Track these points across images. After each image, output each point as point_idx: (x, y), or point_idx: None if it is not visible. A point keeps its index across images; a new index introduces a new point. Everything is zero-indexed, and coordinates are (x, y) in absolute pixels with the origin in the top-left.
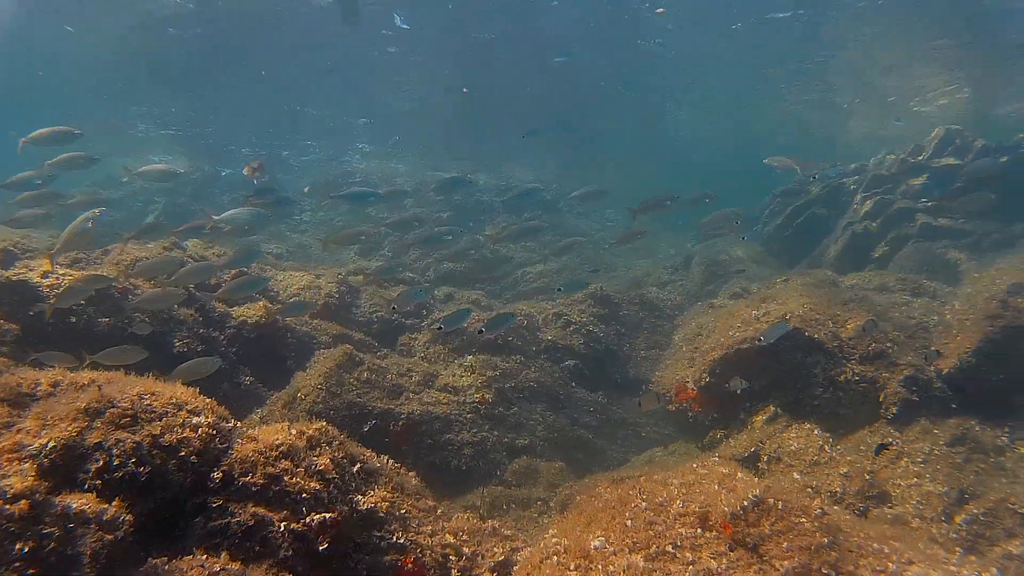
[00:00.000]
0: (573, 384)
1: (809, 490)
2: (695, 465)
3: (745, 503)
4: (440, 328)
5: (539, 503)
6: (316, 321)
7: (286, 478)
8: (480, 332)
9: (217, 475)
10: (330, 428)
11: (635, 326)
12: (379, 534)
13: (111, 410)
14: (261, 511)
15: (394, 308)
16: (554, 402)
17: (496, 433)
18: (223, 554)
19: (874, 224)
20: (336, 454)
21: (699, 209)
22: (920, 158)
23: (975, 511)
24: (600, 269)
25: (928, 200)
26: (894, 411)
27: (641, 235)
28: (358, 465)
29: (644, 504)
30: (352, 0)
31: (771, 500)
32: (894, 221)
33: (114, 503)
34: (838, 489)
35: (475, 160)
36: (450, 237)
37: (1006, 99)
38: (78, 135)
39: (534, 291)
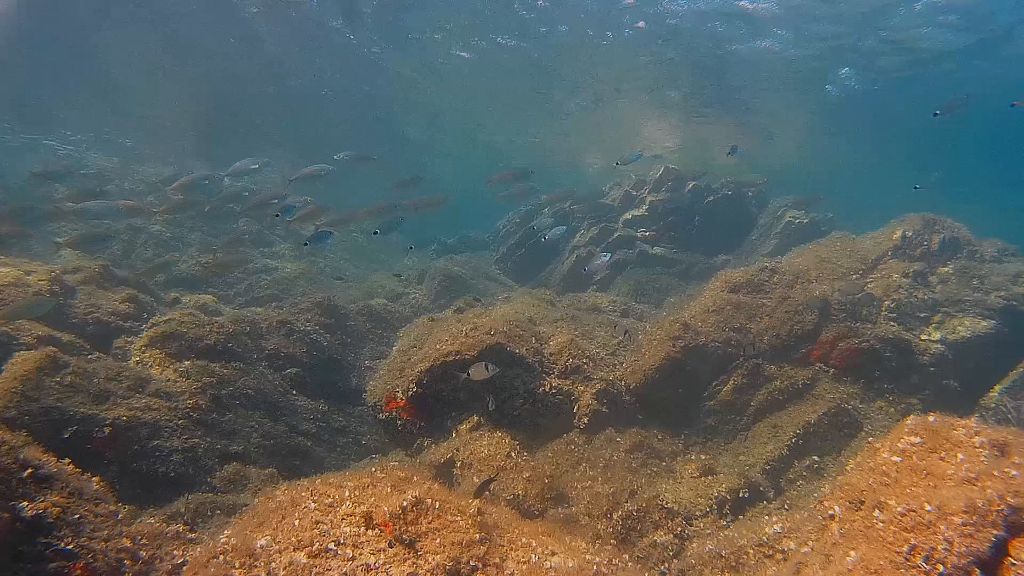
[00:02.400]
0: (294, 392)
1: (488, 493)
2: (374, 469)
3: (405, 503)
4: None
5: (244, 508)
6: (21, 320)
7: None
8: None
9: None
10: None
11: (362, 337)
12: (46, 541)
13: None
14: None
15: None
16: (273, 409)
17: (209, 439)
18: None
19: (598, 249)
20: (3, 459)
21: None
22: (642, 192)
23: (630, 507)
24: (345, 277)
25: (646, 230)
26: (586, 421)
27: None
28: (29, 470)
29: (313, 505)
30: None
31: (429, 500)
32: (615, 247)
33: None
34: (520, 492)
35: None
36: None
37: (717, 147)
38: None
39: (269, 297)
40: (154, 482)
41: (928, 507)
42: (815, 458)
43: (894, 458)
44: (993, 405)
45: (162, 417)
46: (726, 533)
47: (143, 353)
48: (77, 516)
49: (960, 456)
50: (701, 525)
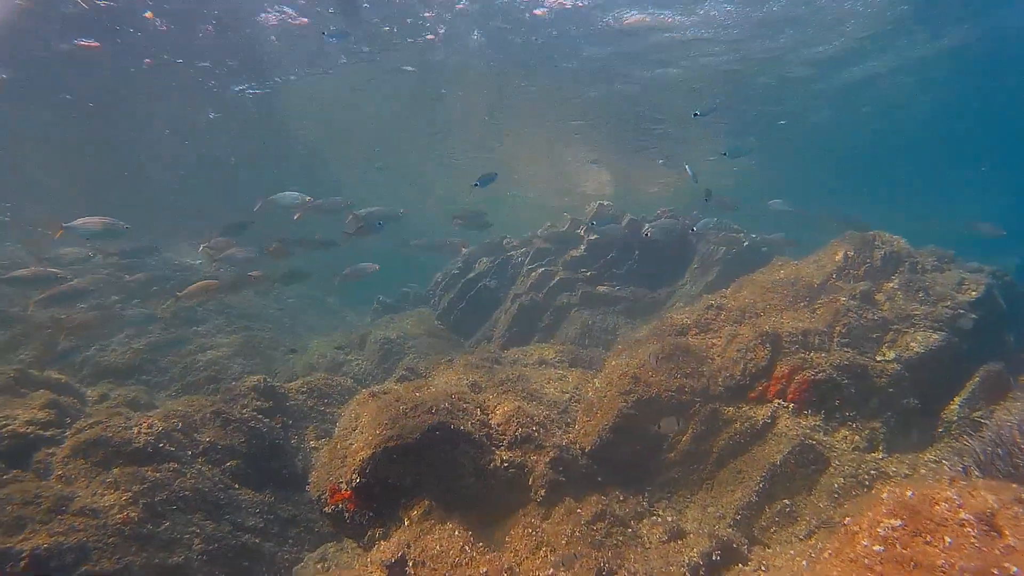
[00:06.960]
0: (236, 486)
1: None
2: None
3: None
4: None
5: None
6: None
7: None
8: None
9: None
10: None
11: (304, 416)
12: None
13: None
14: None
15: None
16: (214, 509)
17: (144, 555)
18: None
19: (540, 295)
20: None
21: None
22: (578, 231)
23: None
24: (299, 349)
25: (587, 270)
26: (543, 493)
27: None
28: None
29: None
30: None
31: None
32: (557, 291)
33: None
34: None
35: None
36: None
37: (643, 181)
38: None
39: (207, 380)
40: None
41: None
42: (786, 501)
43: (875, 547)
44: (955, 419)
45: (90, 538)
46: None
47: (66, 466)
48: None
49: (948, 540)
50: None
